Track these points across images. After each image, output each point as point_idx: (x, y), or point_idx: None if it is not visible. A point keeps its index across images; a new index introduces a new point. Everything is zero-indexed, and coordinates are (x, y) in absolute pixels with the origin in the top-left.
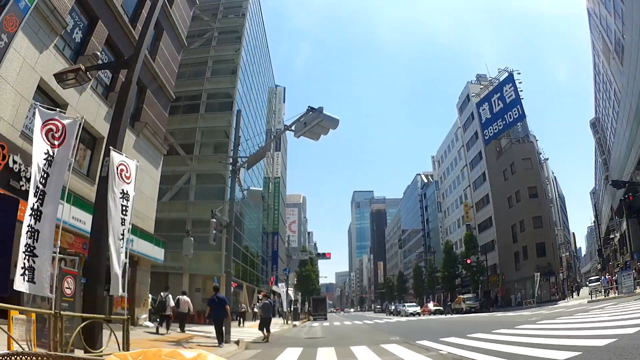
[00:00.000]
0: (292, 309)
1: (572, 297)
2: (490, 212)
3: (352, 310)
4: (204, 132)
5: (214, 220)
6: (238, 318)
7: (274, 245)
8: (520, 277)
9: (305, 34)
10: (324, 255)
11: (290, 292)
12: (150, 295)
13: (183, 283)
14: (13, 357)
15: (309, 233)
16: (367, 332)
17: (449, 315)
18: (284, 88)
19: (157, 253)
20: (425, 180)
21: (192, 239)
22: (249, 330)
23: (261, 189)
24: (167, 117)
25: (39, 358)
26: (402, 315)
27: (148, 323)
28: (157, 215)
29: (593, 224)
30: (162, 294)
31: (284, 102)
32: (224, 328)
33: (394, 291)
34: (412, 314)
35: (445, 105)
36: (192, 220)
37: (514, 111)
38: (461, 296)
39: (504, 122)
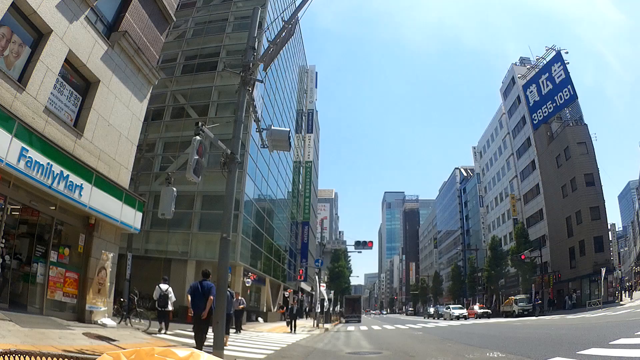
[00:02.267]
0: (323, 309)
1: (628, 297)
2: (540, 204)
3: (381, 312)
4: (221, 92)
5: (198, 138)
6: (257, 317)
7: (304, 237)
8: (575, 276)
9: (331, 34)
10: (365, 244)
11: (323, 289)
12: (137, 292)
13: (188, 273)
14: (7, 355)
15: (340, 232)
16: (430, 342)
17: (503, 319)
18: (315, 67)
19: (128, 216)
20: (465, 174)
21: (174, 189)
22: (266, 337)
23: (288, 129)
24: (163, 42)
25: (33, 356)
26: (445, 319)
27: (107, 320)
28: (159, 189)
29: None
30: (161, 286)
31: (316, 83)
32: (213, 334)
33: (427, 293)
34: (458, 317)
35: (476, 105)
36: (202, 195)
37: (565, 92)
38: (512, 297)
39: (554, 104)
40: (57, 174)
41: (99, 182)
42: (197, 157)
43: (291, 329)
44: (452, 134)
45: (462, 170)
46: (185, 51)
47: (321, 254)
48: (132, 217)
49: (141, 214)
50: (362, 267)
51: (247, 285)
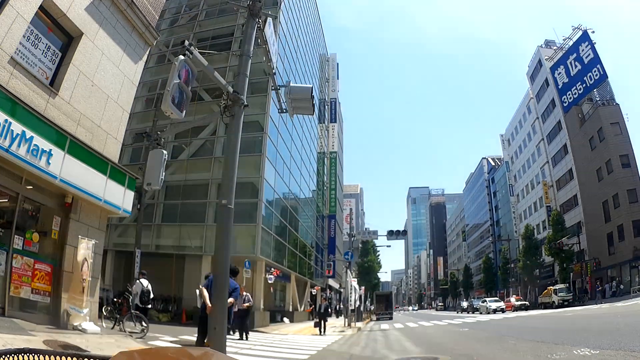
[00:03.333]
0: (354, 306)
1: None
2: (575, 189)
3: (410, 308)
4: (236, 74)
5: (182, 58)
6: (282, 318)
7: (331, 231)
8: (614, 263)
9: (349, 32)
10: (398, 233)
11: (355, 284)
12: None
13: (203, 269)
14: (22, 354)
15: (366, 228)
16: (487, 341)
17: (544, 311)
18: (336, 56)
19: (114, 194)
20: (493, 164)
21: (164, 151)
22: (292, 341)
23: (310, 85)
24: (163, 2)
25: (47, 355)
26: (482, 313)
27: (88, 325)
28: (170, 178)
29: None
30: (142, 281)
31: (337, 72)
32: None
33: (458, 287)
34: (495, 311)
35: (498, 96)
36: (217, 182)
37: (594, 72)
38: (551, 287)
39: (583, 85)
40: (18, 134)
41: (76, 149)
42: (178, 80)
43: (320, 331)
44: (476, 126)
45: (490, 159)
46: (198, 33)
47: (351, 246)
48: (120, 196)
49: (133, 193)
50: (389, 263)
51: (269, 282)
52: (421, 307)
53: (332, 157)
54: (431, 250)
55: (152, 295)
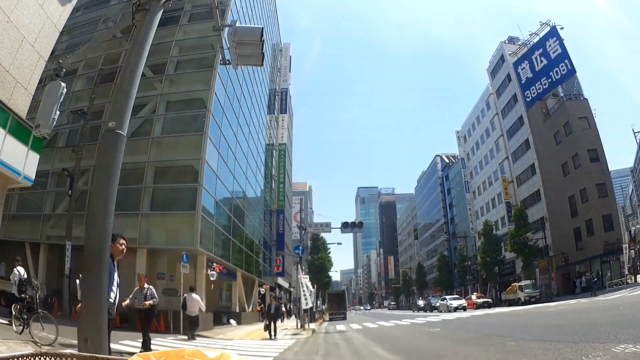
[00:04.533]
0: (309, 306)
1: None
2: (537, 185)
3: (362, 307)
4: (182, 48)
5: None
6: (229, 320)
7: (279, 227)
8: (583, 258)
9: (306, 33)
10: (354, 225)
11: (307, 281)
12: (38, 284)
13: (137, 264)
14: (37, 357)
15: (318, 223)
16: (472, 342)
17: (510, 308)
18: (290, 46)
19: (14, 154)
20: (447, 161)
21: (62, 84)
22: (237, 347)
23: (261, 26)
24: None
25: (64, 358)
26: (441, 311)
27: None
28: (95, 163)
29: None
30: (18, 269)
31: (290, 63)
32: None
33: (411, 285)
34: (456, 309)
35: (451, 97)
36: (154, 166)
37: (562, 67)
38: (516, 284)
39: (549, 80)
40: None
41: None
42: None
43: (271, 334)
44: (428, 127)
45: (444, 157)
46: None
47: (302, 240)
48: (20, 158)
49: (38, 156)
50: (338, 263)
51: (211, 279)
52: (372, 307)
53: (281, 149)
54: (381, 250)
55: (36, 284)
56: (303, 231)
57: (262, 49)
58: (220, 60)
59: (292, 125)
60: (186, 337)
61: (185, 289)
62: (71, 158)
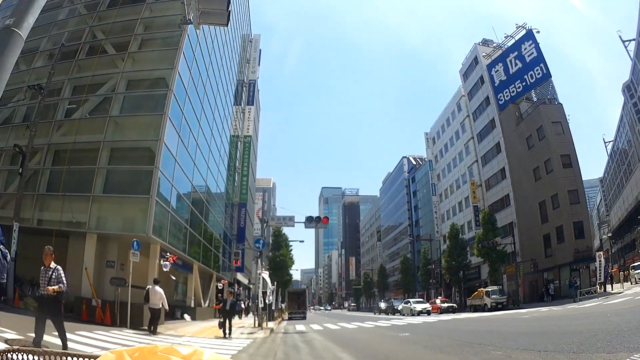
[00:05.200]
0: (264, 304)
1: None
2: (507, 189)
3: (323, 307)
4: (148, 26)
5: None
6: (182, 315)
7: (240, 221)
8: (552, 265)
9: (274, 29)
10: (318, 220)
11: (267, 276)
12: None
13: (86, 250)
14: (11, 353)
15: (280, 216)
16: (459, 352)
17: (477, 314)
18: (260, 37)
19: None
20: (414, 163)
21: None
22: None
23: None
24: None
25: (36, 355)
26: (405, 314)
27: None
28: (60, 140)
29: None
30: None
31: (259, 55)
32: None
33: (372, 287)
34: (421, 313)
35: (422, 104)
36: (110, 147)
37: (537, 70)
38: (482, 289)
39: (523, 84)
40: None
41: None
42: None
43: (225, 332)
44: (396, 131)
45: (411, 158)
46: None
47: (263, 234)
48: None
49: None
50: (298, 262)
51: (164, 269)
52: (332, 307)
53: (246, 142)
54: (343, 250)
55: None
56: (265, 224)
57: (228, 7)
58: (181, 19)
59: (259, 119)
60: (140, 331)
61: (135, 278)
62: (25, 135)
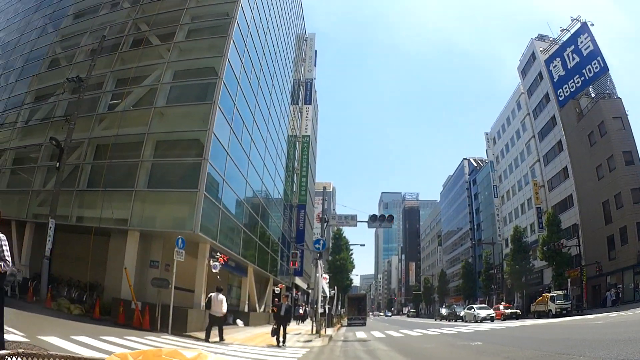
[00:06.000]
0: (325, 309)
1: None
2: (570, 189)
3: (382, 313)
4: (194, 16)
5: None
6: (235, 320)
7: (300, 223)
8: (615, 269)
9: (326, 37)
10: (383, 219)
11: (326, 283)
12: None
13: (128, 249)
14: (17, 355)
15: (339, 228)
16: None
17: (543, 320)
18: (315, 36)
19: None
20: (475, 165)
21: None
22: (234, 355)
23: None
24: None
25: (41, 357)
26: (468, 321)
27: None
28: (102, 134)
29: None
30: None
31: (315, 55)
32: None
33: (432, 293)
34: (484, 319)
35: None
36: (154, 139)
37: (594, 64)
38: (546, 294)
39: (582, 78)
40: None
41: None
42: None
43: (279, 340)
44: (454, 134)
45: (472, 160)
46: None
47: (323, 234)
48: None
49: None
50: (358, 267)
51: (214, 270)
52: (392, 313)
53: (304, 141)
54: (403, 255)
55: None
56: (325, 223)
57: None
58: None
59: (317, 121)
60: (182, 337)
61: (181, 279)
62: (63, 129)
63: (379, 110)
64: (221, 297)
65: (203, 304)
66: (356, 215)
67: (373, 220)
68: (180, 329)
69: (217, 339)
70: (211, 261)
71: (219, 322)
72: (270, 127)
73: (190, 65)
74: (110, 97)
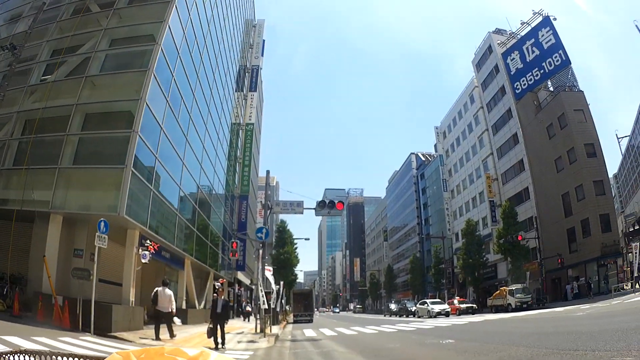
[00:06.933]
0: (271, 305)
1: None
2: (526, 182)
3: (331, 309)
4: None
5: None
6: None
7: (242, 215)
8: (578, 261)
9: (278, 32)
10: (332, 205)
11: (270, 275)
12: None
13: (49, 235)
14: (16, 354)
15: (282, 221)
16: None
17: (506, 314)
18: (264, 22)
19: None
20: (423, 159)
21: None
22: None
23: None
24: None
25: (43, 355)
26: (421, 316)
27: None
28: (32, 107)
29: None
30: None
31: (263, 41)
32: None
33: (379, 288)
34: (439, 314)
35: (429, 103)
36: (84, 111)
37: (555, 57)
38: (504, 288)
39: (541, 71)
40: None
41: None
42: None
43: (217, 342)
44: (402, 130)
45: (420, 154)
46: None
47: (266, 222)
48: None
49: None
50: (301, 263)
51: (143, 260)
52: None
53: (248, 129)
54: (347, 251)
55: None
56: (269, 210)
57: None
58: None
59: (262, 111)
60: (105, 339)
61: (107, 270)
62: None
63: (325, 107)
64: (168, 291)
65: (132, 299)
66: (302, 201)
67: (322, 206)
68: (104, 329)
69: (168, 336)
70: (140, 250)
71: (168, 319)
72: (212, 109)
73: (129, 33)
74: (44, 68)
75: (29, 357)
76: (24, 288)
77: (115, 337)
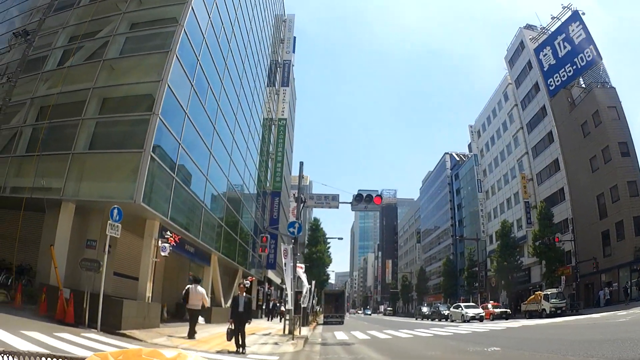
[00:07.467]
0: (300, 305)
1: None
2: (561, 182)
3: (362, 312)
4: None
5: None
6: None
7: (273, 212)
8: (611, 266)
9: (306, 35)
10: (370, 199)
11: (302, 272)
12: None
13: (60, 224)
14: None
15: (315, 218)
16: None
17: (542, 320)
18: (294, 17)
19: None
20: (457, 159)
21: None
22: None
23: None
24: None
25: (22, 356)
26: (455, 320)
27: None
28: (47, 93)
29: None
30: None
31: (293, 44)
32: None
33: (410, 291)
34: (473, 319)
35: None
36: (100, 95)
37: (586, 53)
38: (539, 292)
39: (573, 67)
40: None
41: None
42: None
43: (238, 344)
44: (433, 134)
45: (454, 154)
46: None
47: (299, 216)
48: None
49: None
50: (332, 264)
51: (162, 253)
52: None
53: (280, 125)
54: (380, 253)
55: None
56: (302, 204)
57: None
58: None
59: (294, 109)
60: (112, 337)
61: (122, 263)
62: (3, 87)
63: (357, 108)
64: (201, 289)
65: (148, 294)
66: (338, 195)
67: (358, 200)
68: (113, 325)
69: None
70: (160, 242)
71: (197, 316)
72: (242, 100)
73: (149, 17)
74: (60, 55)
75: (9, 357)
76: (32, 280)
77: (124, 335)
